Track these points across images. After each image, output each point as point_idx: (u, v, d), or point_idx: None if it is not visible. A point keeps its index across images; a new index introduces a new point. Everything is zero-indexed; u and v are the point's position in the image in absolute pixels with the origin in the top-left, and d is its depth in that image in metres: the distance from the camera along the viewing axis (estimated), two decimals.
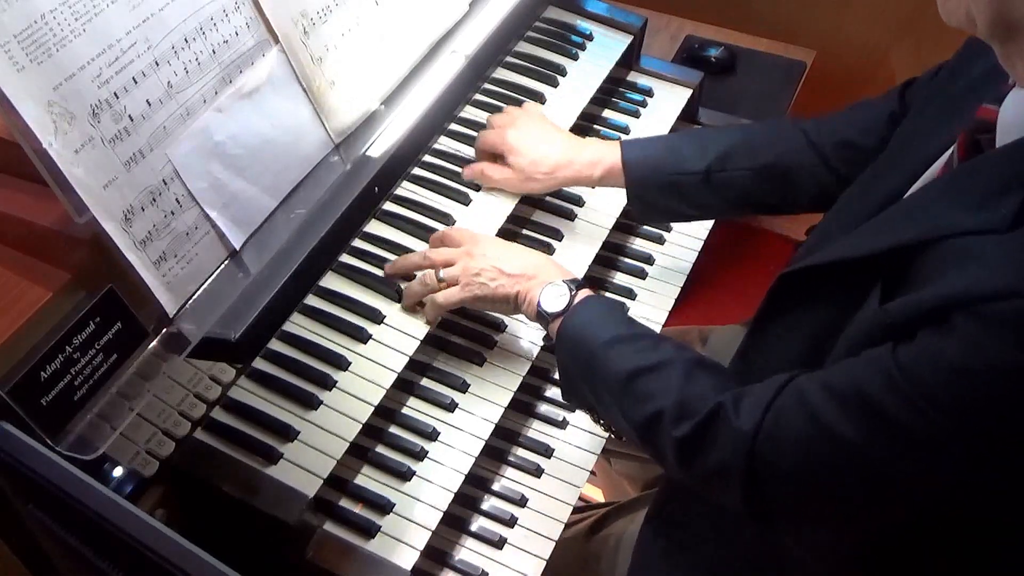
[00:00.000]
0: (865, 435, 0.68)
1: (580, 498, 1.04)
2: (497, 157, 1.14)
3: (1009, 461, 0.64)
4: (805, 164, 1.07)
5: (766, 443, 0.75)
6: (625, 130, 1.33)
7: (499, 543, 0.98)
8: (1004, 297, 0.61)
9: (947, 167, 0.78)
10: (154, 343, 0.87)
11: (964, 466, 0.66)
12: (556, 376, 1.12)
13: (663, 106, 1.37)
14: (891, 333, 0.68)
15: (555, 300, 0.95)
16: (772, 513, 0.79)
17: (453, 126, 1.20)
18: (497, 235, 1.10)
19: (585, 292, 0.96)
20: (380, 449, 0.98)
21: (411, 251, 1.06)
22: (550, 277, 0.98)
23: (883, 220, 0.78)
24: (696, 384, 0.84)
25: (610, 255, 1.26)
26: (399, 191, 1.12)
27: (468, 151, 1.18)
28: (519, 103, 1.24)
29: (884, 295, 0.71)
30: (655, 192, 1.11)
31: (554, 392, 1.12)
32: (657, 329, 1.18)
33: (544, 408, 1.10)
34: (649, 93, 1.39)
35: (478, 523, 1.00)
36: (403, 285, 1.03)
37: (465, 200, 1.13)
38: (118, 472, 0.84)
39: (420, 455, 0.98)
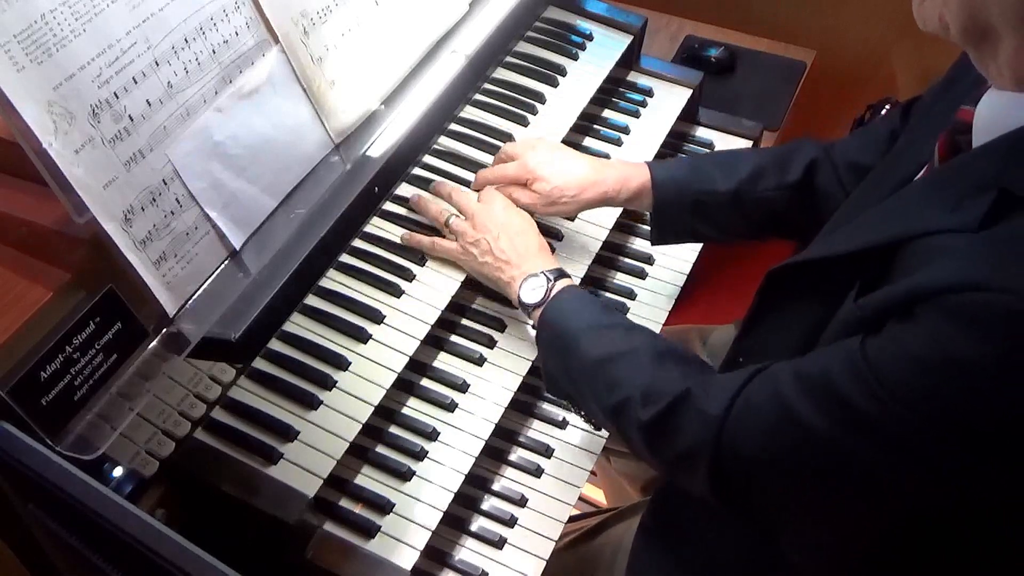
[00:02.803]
0: (829, 424, 0.69)
1: (580, 498, 1.04)
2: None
3: (970, 455, 0.64)
4: (828, 183, 1.08)
5: (734, 428, 0.76)
6: (625, 130, 1.33)
7: (499, 543, 0.98)
8: (965, 290, 0.61)
9: (928, 168, 0.79)
10: (154, 343, 0.87)
11: (926, 459, 0.66)
12: None
13: (663, 106, 1.37)
14: (862, 326, 0.69)
15: (533, 292, 0.98)
16: (738, 499, 0.79)
17: (453, 126, 1.20)
18: None
19: (564, 282, 0.98)
20: (380, 449, 0.98)
21: (412, 251, 1.07)
22: (533, 267, 1.00)
23: (867, 219, 0.79)
24: (665, 370, 0.85)
25: (610, 255, 1.26)
26: (399, 191, 1.12)
27: (468, 151, 1.18)
28: (519, 103, 1.24)
29: (861, 291, 0.72)
30: (682, 213, 1.10)
31: None
32: (657, 329, 1.18)
33: (544, 408, 1.10)
34: (649, 93, 1.39)
35: (478, 523, 1.00)
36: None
37: None
38: (118, 472, 0.84)
39: (420, 455, 0.98)
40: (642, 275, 1.25)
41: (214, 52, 0.91)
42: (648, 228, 1.29)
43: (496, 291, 1.06)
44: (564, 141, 1.19)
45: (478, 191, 1.13)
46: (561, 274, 0.99)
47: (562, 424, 1.09)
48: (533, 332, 1.07)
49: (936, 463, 0.66)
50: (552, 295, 0.97)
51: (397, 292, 1.03)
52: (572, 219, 1.21)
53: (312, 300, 1.01)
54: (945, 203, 0.68)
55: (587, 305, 0.96)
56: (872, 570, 0.81)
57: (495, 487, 1.03)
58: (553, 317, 0.96)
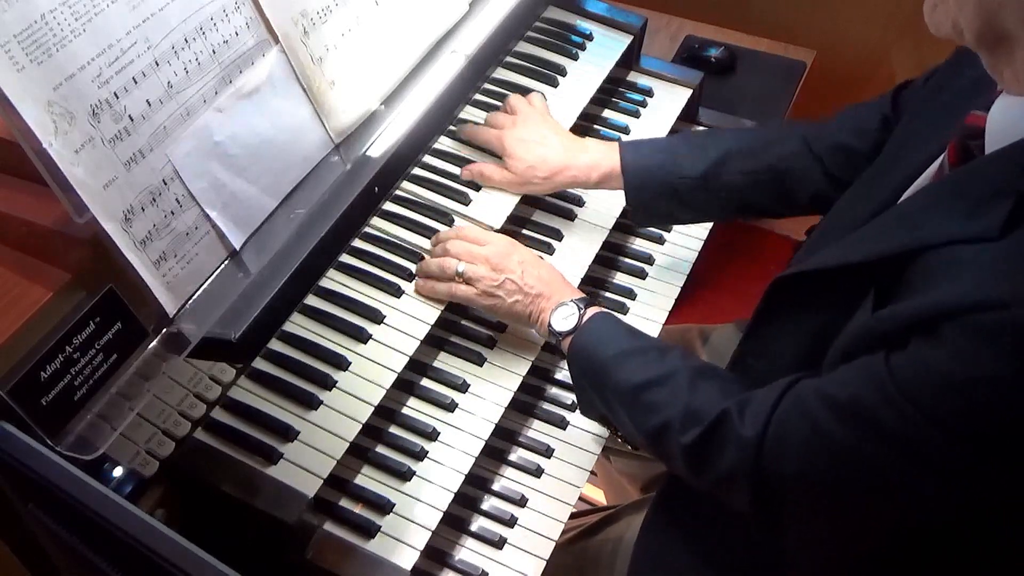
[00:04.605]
0: (861, 443, 0.69)
1: (580, 498, 1.04)
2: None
3: (999, 471, 0.65)
4: (802, 168, 1.08)
5: (771, 450, 0.76)
6: (625, 130, 1.33)
7: (499, 543, 0.98)
8: (991, 308, 0.61)
9: (939, 174, 0.78)
10: (154, 343, 0.87)
11: (957, 473, 0.66)
12: (556, 376, 1.12)
13: (663, 106, 1.37)
14: (884, 341, 0.69)
15: (565, 320, 0.98)
16: (781, 517, 0.79)
17: (453, 126, 1.20)
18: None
19: (593, 310, 0.98)
20: (380, 449, 0.98)
21: (411, 251, 1.07)
22: (562, 296, 1.00)
23: (876, 226, 0.78)
24: (702, 392, 0.85)
25: (610, 255, 1.26)
26: (399, 191, 1.12)
27: (468, 151, 1.18)
28: None
29: (877, 302, 0.72)
30: (653, 197, 1.12)
31: (554, 392, 1.12)
32: (657, 328, 1.18)
33: (544, 408, 1.10)
34: (649, 93, 1.39)
35: (478, 523, 1.00)
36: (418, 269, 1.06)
37: (465, 200, 1.13)
38: (118, 472, 0.84)
39: (420, 455, 0.98)
40: (642, 275, 1.25)
41: (214, 52, 0.91)
42: (648, 228, 1.30)
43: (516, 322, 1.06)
44: None
45: (467, 141, 1.17)
46: (589, 302, 0.99)
47: (562, 424, 1.09)
48: (534, 340, 1.08)
49: (965, 477, 0.66)
50: (583, 322, 0.97)
51: (397, 292, 1.04)
52: (572, 219, 1.21)
53: (312, 300, 1.01)
54: (960, 210, 0.68)
55: (618, 330, 0.97)
56: (876, 567, 0.81)
57: (495, 487, 1.03)
58: (586, 344, 0.96)
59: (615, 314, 1.00)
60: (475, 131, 1.17)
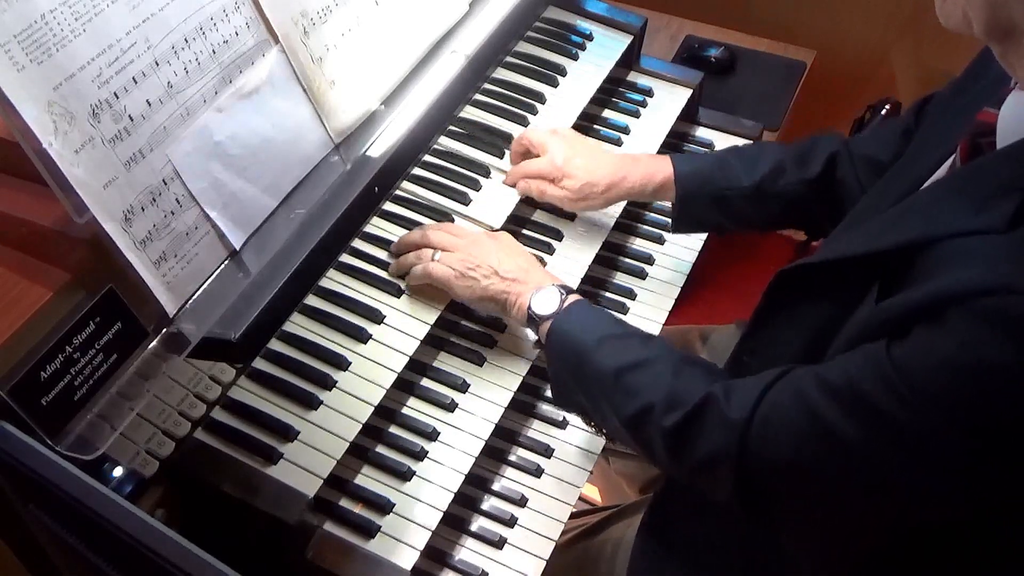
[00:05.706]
0: (859, 431, 0.68)
1: (580, 498, 1.04)
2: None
3: (1001, 459, 0.64)
4: (848, 177, 1.09)
5: (758, 434, 0.75)
6: (625, 130, 1.33)
7: (499, 543, 0.98)
8: (997, 293, 0.61)
9: (951, 170, 0.78)
10: (154, 343, 0.87)
11: (956, 463, 0.66)
12: None
13: (663, 106, 1.37)
14: (886, 329, 0.68)
15: (545, 303, 0.97)
16: (762, 506, 0.78)
17: (453, 126, 1.20)
18: None
19: (575, 297, 0.98)
20: (380, 449, 0.98)
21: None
22: (541, 283, 0.99)
23: (885, 220, 0.78)
24: (686, 377, 0.85)
25: (610, 255, 1.26)
26: (399, 191, 1.12)
27: (468, 151, 1.18)
28: (519, 103, 1.24)
29: (882, 293, 0.71)
30: (702, 206, 1.13)
31: None
32: (657, 329, 1.18)
33: (544, 408, 1.10)
34: (649, 93, 1.39)
35: (478, 523, 1.00)
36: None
37: (465, 200, 1.13)
38: (118, 472, 0.84)
39: (420, 455, 0.98)
40: (642, 275, 1.25)
41: (214, 52, 0.91)
42: (649, 228, 1.30)
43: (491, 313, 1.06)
44: None
45: (513, 185, 1.15)
46: (571, 290, 0.99)
47: (562, 424, 1.09)
48: (534, 336, 1.08)
49: (966, 466, 0.66)
50: (564, 306, 0.96)
51: (397, 292, 1.04)
52: (572, 219, 1.21)
53: (312, 300, 1.01)
54: (969, 205, 0.68)
55: (600, 316, 0.96)
56: (875, 567, 0.81)
57: (495, 487, 1.03)
58: (566, 328, 0.95)
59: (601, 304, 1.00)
60: (526, 165, 1.14)
